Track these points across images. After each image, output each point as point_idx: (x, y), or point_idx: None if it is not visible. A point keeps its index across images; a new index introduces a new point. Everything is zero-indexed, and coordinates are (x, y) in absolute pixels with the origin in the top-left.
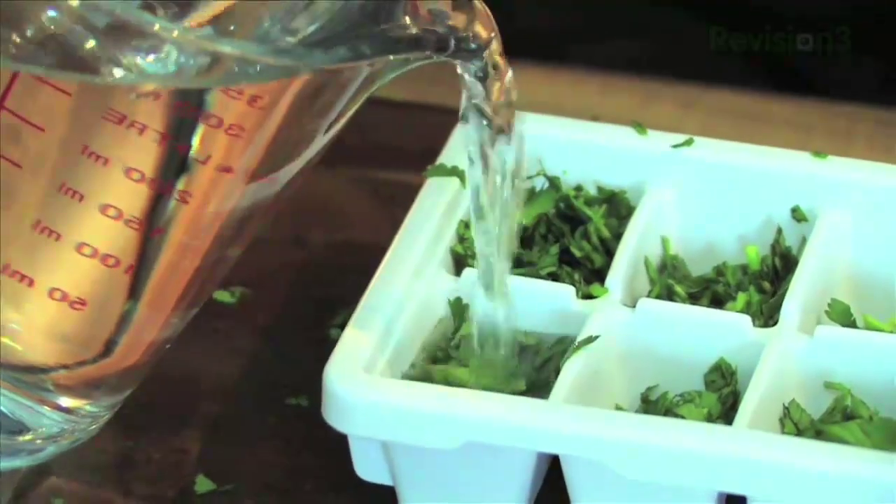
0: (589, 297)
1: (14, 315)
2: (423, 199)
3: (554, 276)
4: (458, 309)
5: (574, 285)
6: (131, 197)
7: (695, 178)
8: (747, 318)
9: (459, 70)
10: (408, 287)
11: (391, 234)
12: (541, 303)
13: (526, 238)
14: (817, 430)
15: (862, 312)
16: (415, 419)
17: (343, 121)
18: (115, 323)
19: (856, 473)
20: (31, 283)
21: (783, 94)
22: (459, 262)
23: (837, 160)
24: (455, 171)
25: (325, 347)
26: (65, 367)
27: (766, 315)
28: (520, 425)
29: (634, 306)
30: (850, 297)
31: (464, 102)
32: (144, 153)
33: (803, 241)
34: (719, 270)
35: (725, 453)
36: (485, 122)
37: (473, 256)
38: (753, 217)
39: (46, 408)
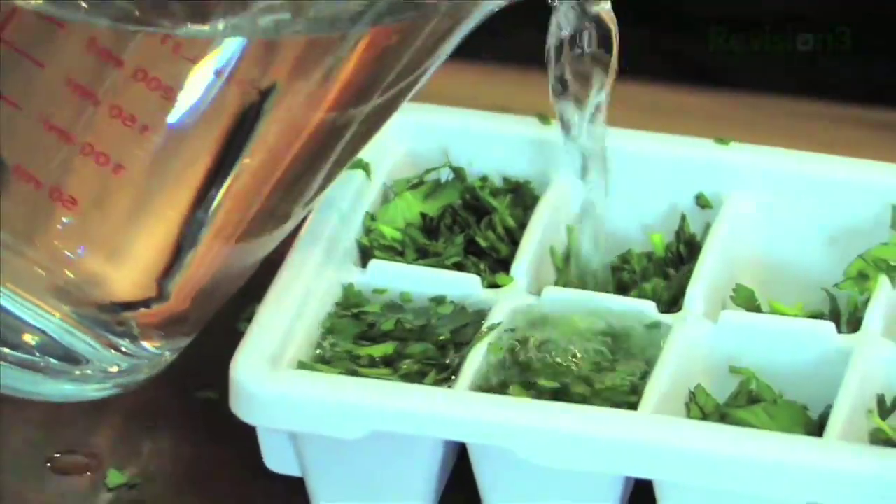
0: (494, 286)
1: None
2: (330, 191)
3: (460, 266)
4: (353, 295)
5: (480, 275)
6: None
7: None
8: (652, 304)
9: None
10: (314, 279)
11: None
12: (446, 292)
13: (432, 229)
14: (722, 414)
15: (768, 297)
16: (319, 409)
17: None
18: (172, 251)
19: (759, 456)
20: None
21: (698, 87)
22: (366, 253)
23: (740, 146)
24: (361, 164)
25: (236, 340)
26: (129, 304)
27: (671, 301)
28: (425, 413)
29: (540, 294)
30: (756, 282)
31: None
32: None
33: (708, 227)
34: (624, 258)
35: (630, 438)
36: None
37: (380, 248)
38: (658, 204)
39: (105, 344)
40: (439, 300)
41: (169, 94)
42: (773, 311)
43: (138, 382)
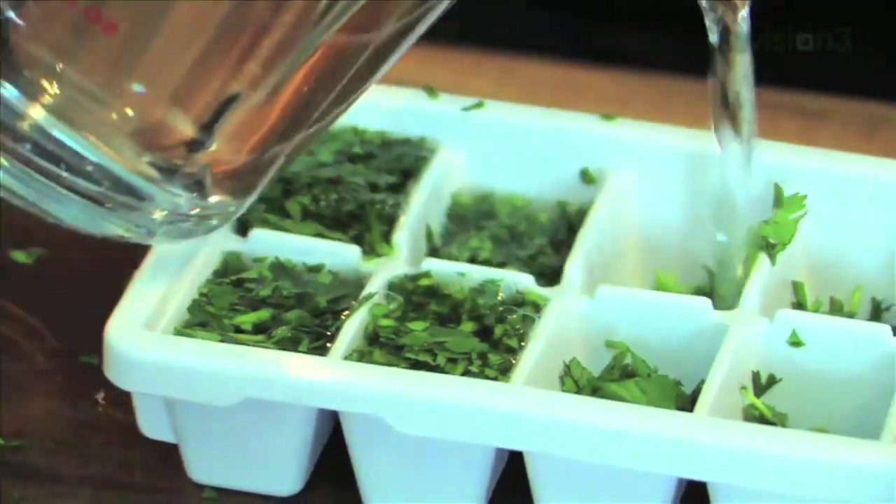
0: (377, 256)
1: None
2: None
3: (342, 231)
4: (233, 263)
5: (361, 245)
6: None
7: (485, 139)
8: (530, 278)
9: None
10: (193, 246)
11: None
12: (325, 261)
13: (316, 195)
14: (595, 388)
15: (654, 268)
16: (192, 375)
17: None
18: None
19: (626, 429)
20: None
21: (602, 65)
22: (244, 222)
23: (625, 122)
24: None
25: None
26: (179, 144)
27: (551, 276)
28: (296, 381)
29: (419, 265)
30: (639, 258)
31: None
32: None
33: (592, 203)
34: (511, 231)
35: (501, 409)
36: None
37: (258, 220)
38: (543, 178)
39: (164, 182)
40: (318, 269)
41: None
42: (659, 284)
43: (206, 230)
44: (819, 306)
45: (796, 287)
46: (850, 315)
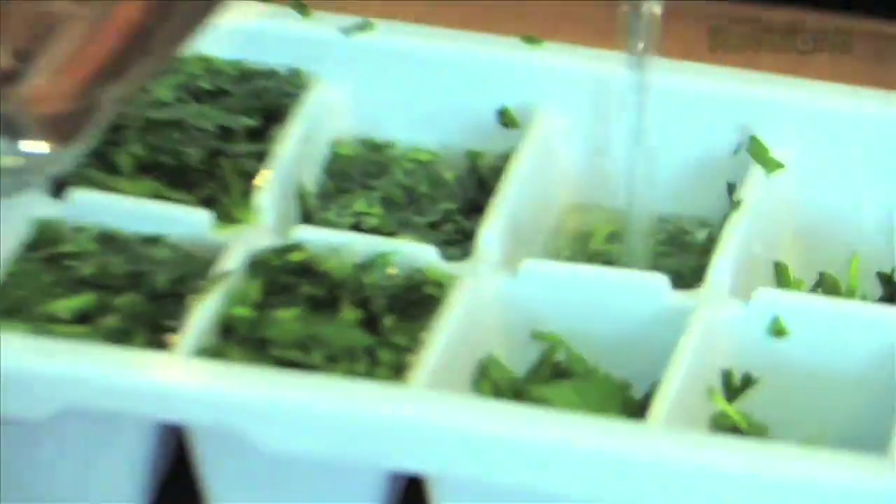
0: (232, 223)
1: None
2: None
3: (189, 191)
4: (47, 233)
5: (213, 209)
6: None
7: (373, 72)
8: (433, 250)
9: None
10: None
11: None
12: (166, 231)
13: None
14: (519, 391)
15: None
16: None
17: None
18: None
19: (560, 444)
20: None
21: None
22: (60, 181)
23: (555, 47)
24: None
25: None
26: None
27: (461, 248)
28: (127, 385)
29: (288, 235)
30: (577, 221)
31: None
32: None
33: (513, 152)
34: (409, 189)
35: (394, 420)
36: None
37: (79, 178)
38: (450, 123)
39: None
40: (156, 240)
41: None
42: (588, 254)
43: (17, 188)
44: (800, 285)
45: (778, 267)
46: (850, 295)
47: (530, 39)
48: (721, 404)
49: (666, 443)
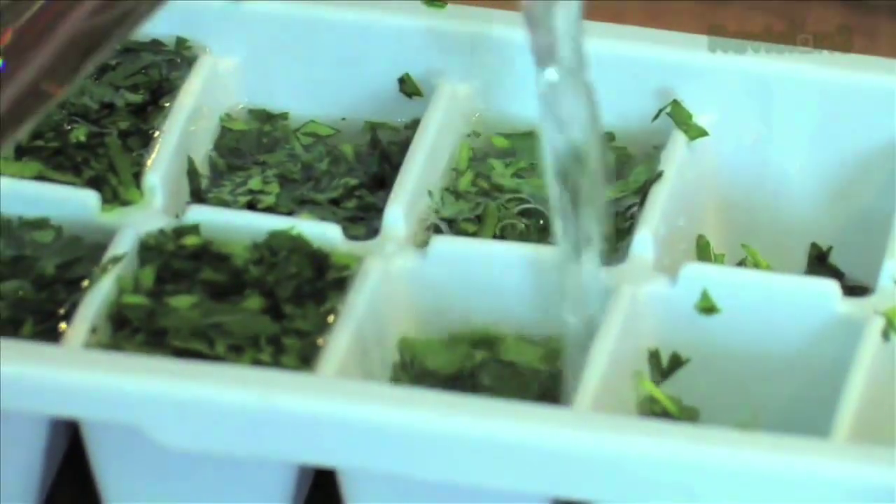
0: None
1: None
2: None
3: (76, 173)
4: None
5: (100, 190)
6: None
7: (264, 41)
8: (337, 229)
9: None
10: None
11: None
12: (50, 213)
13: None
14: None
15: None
16: None
17: None
18: None
19: (477, 432)
20: None
21: None
22: None
23: (460, 9)
24: None
25: None
26: None
27: (366, 226)
28: (17, 378)
29: (179, 216)
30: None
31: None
32: None
33: (416, 122)
34: (307, 166)
35: (302, 411)
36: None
37: None
38: (348, 93)
39: None
40: (41, 224)
41: None
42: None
43: None
44: (721, 259)
45: (700, 240)
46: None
47: (432, 3)
48: (648, 388)
49: (592, 428)
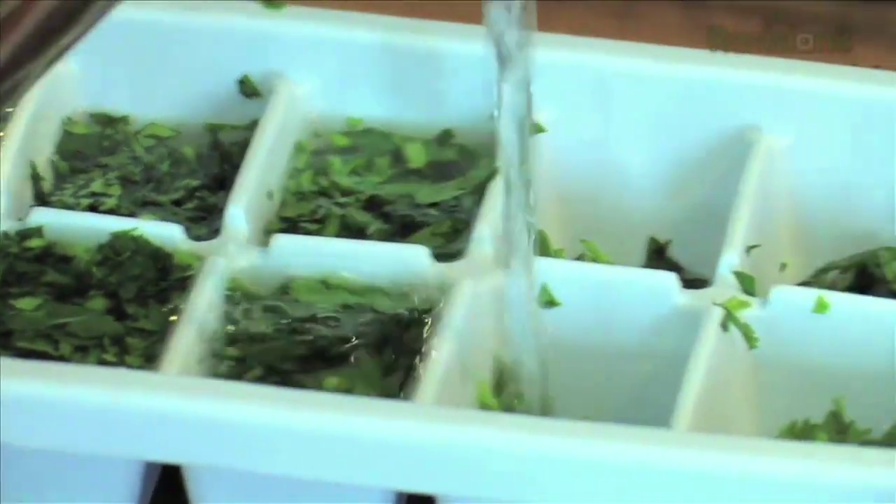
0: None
1: None
2: None
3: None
4: None
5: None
6: None
7: (103, 44)
8: (178, 229)
9: None
10: None
11: None
12: None
13: None
14: (282, 371)
15: None
16: None
17: None
18: None
19: (323, 428)
20: None
21: None
22: None
23: (298, 12)
24: None
25: None
26: None
27: (211, 226)
28: None
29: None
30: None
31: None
32: None
33: (254, 123)
34: (146, 166)
35: (149, 408)
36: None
37: None
38: (187, 94)
39: None
40: None
41: None
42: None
43: None
44: (561, 253)
45: (539, 235)
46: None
47: (271, 4)
48: (482, 393)
49: (433, 421)
